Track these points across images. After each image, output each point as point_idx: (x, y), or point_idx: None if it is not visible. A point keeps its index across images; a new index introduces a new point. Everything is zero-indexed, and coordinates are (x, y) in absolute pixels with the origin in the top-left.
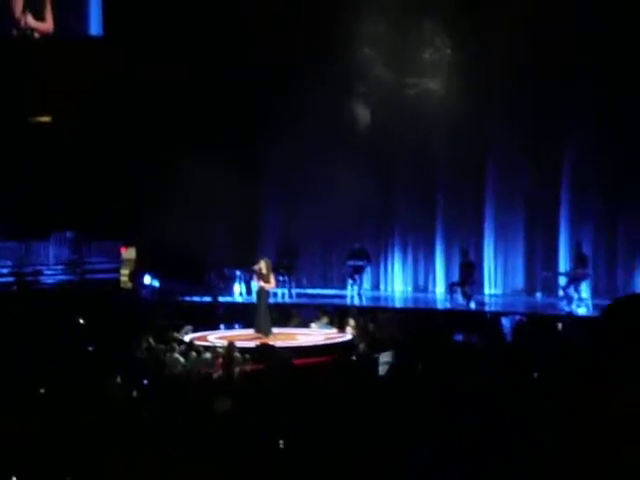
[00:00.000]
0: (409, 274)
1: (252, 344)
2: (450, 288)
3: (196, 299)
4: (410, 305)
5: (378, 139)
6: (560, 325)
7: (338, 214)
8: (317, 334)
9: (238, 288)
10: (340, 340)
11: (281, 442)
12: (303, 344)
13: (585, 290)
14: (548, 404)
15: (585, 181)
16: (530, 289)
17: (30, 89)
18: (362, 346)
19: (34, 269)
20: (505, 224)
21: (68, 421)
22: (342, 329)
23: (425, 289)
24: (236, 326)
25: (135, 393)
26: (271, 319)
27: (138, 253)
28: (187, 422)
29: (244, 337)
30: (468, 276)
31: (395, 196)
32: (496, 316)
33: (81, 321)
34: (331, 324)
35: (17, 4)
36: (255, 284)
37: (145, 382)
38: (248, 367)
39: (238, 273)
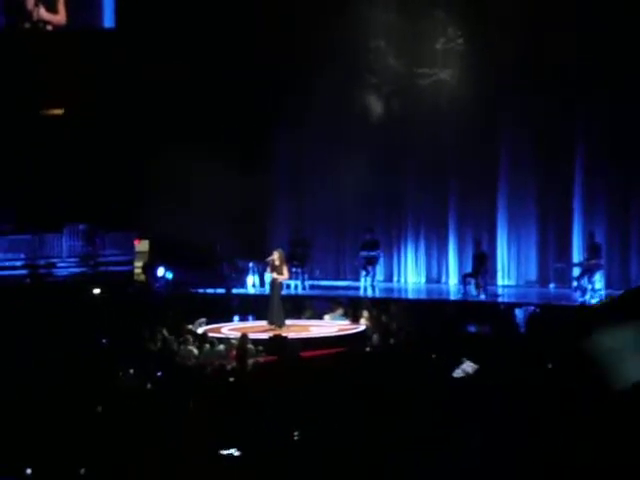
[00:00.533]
0: (422, 265)
1: (265, 336)
2: (463, 279)
3: (209, 291)
4: (423, 296)
5: (390, 130)
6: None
7: (350, 205)
8: (330, 325)
9: (251, 280)
10: (353, 331)
11: (296, 434)
12: (316, 335)
13: (599, 281)
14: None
15: (598, 171)
16: (543, 280)
17: (42, 82)
18: (375, 337)
19: (47, 261)
20: (518, 214)
21: (82, 413)
22: (356, 320)
23: (438, 280)
24: (249, 318)
25: (149, 385)
26: (284, 311)
27: (151, 245)
28: (200, 413)
29: (257, 329)
30: (481, 267)
31: (407, 187)
32: (509, 307)
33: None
34: (346, 315)
35: None
36: (268, 275)
37: (159, 374)
38: (261, 359)
39: (251, 265)
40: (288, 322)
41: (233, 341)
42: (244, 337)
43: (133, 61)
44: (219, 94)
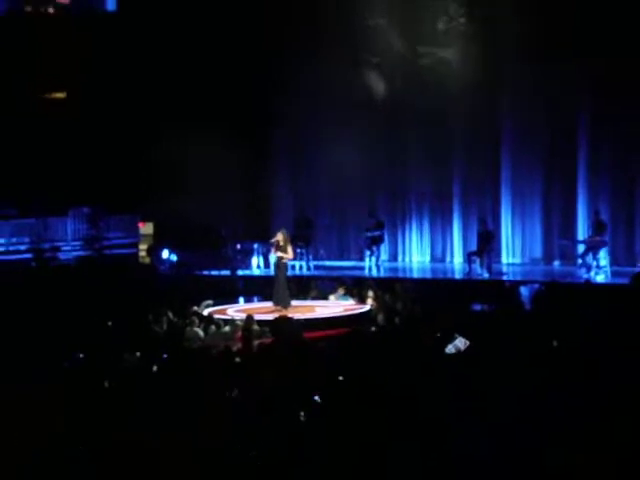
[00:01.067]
0: (427, 244)
1: (271, 317)
2: (468, 258)
3: (214, 273)
4: (428, 275)
5: (392, 109)
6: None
7: (354, 185)
8: (336, 306)
9: (256, 261)
10: (359, 311)
11: (302, 414)
12: (322, 316)
13: (603, 258)
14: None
15: (603, 148)
16: (548, 257)
17: (44, 65)
18: (381, 317)
19: (52, 245)
20: (522, 192)
21: (87, 394)
22: (362, 300)
23: (443, 259)
24: (255, 299)
25: (155, 368)
26: (290, 291)
27: (156, 228)
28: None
29: (263, 310)
30: (486, 245)
31: (411, 166)
32: (514, 285)
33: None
34: (349, 295)
35: None
36: (273, 256)
37: (165, 356)
38: (267, 340)
39: (255, 246)
40: (294, 303)
41: (238, 322)
42: (250, 318)
43: (135, 44)
44: (220, 76)
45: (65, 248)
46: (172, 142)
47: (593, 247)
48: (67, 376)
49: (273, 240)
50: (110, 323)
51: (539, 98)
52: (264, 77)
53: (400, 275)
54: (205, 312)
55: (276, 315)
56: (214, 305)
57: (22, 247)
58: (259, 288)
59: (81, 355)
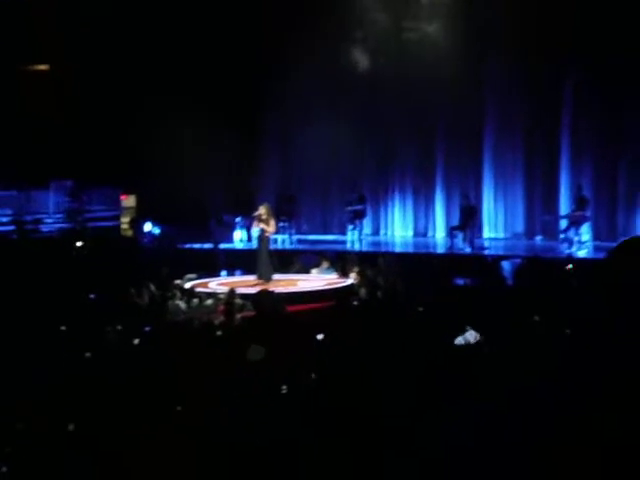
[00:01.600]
0: (409, 219)
1: (253, 290)
2: (450, 232)
3: (197, 246)
4: (410, 250)
5: (376, 84)
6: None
7: (337, 160)
8: (318, 280)
9: (239, 234)
10: (341, 285)
11: (284, 387)
12: (304, 290)
13: (585, 233)
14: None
15: (585, 123)
16: (530, 232)
17: (27, 36)
18: (363, 291)
19: (34, 217)
20: (505, 167)
21: (70, 369)
22: (344, 275)
23: (425, 234)
24: (237, 272)
25: (136, 341)
26: (273, 265)
27: (138, 201)
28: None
29: (245, 283)
30: (469, 220)
31: (394, 141)
32: (497, 260)
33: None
34: (333, 269)
35: None
36: (256, 230)
37: (146, 329)
38: (249, 313)
39: (238, 219)
40: (276, 276)
41: (221, 296)
42: (232, 292)
43: (122, 16)
44: (206, 51)
45: (47, 220)
46: (157, 116)
47: (575, 222)
48: (49, 349)
49: (255, 214)
50: (92, 296)
51: (523, 73)
52: (249, 53)
53: (383, 249)
54: (187, 285)
55: (258, 289)
56: (197, 279)
57: (4, 219)
58: (242, 262)
59: (63, 328)
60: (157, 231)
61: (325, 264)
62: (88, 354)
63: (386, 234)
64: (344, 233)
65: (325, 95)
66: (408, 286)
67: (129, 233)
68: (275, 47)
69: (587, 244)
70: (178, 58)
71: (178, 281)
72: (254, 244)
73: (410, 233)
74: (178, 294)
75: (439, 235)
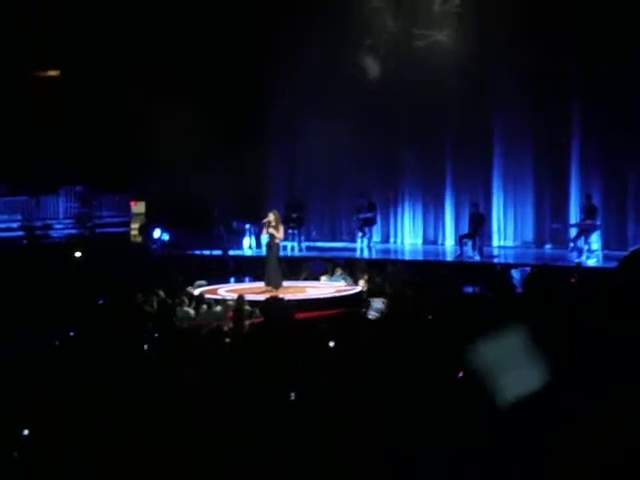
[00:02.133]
0: (419, 226)
1: (262, 297)
2: (460, 240)
3: (206, 253)
4: (420, 257)
5: (386, 91)
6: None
7: (346, 167)
8: (327, 287)
9: (248, 241)
10: (350, 293)
11: (292, 395)
12: (313, 297)
13: (595, 242)
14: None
15: (595, 132)
16: (540, 241)
17: (38, 43)
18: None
19: (44, 223)
20: (515, 175)
21: (80, 373)
22: (355, 282)
23: (435, 241)
24: (246, 279)
25: (145, 346)
26: (282, 272)
27: (148, 207)
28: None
29: (254, 290)
30: (478, 228)
31: (404, 148)
32: (506, 268)
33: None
34: (346, 276)
35: None
36: (265, 237)
37: (155, 335)
38: (258, 320)
39: (247, 226)
40: (285, 284)
41: (230, 302)
42: (241, 298)
43: (129, 22)
44: (215, 56)
45: (57, 226)
46: (166, 122)
47: (585, 231)
48: (58, 354)
49: (264, 221)
50: (101, 302)
51: (533, 81)
52: (259, 57)
53: (392, 257)
54: (196, 292)
55: (267, 295)
56: (206, 285)
57: (14, 225)
58: (250, 268)
59: (72, 333)
60: (166, 237)
61: (338, 271)
62: (96, 359)
63: (395, 242)
64: (353, 240)
65: (334, 102)
66: (417, 294)
67: (138, 239)
68: (283, 53)
69: (596, 253)
70: (188, 64)
71: (189, 288)
72: (263, 251)
73: (419, 241)
74: (186, 300)
75: (448, 243)
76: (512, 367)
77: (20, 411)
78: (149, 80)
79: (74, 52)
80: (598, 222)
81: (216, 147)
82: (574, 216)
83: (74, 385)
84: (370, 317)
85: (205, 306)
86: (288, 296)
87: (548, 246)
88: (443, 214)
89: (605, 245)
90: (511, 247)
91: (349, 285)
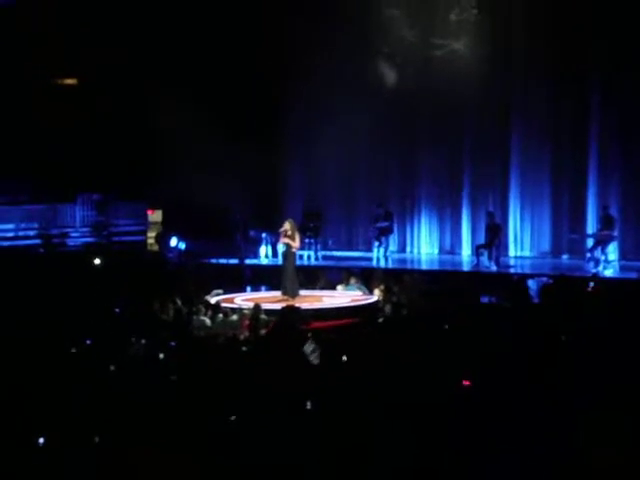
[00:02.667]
0: (435, 236)
1: (278, 306)
2: (476, 250)
3: (222, 261)
4: (436, 267)
5: (403, 100)
6: (591, 285)
7: (363, 176)
8: (343, 296)
9: (264, 250)
10: (366, 302)
11: (308, 403)
12: (329, 306)
13: (612, 252)
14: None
15: (613, 142)
16: (557, 251)
17: (56, 51)
18: (388, 308)
19: (60, 231)
20: (532, 186)
21: (94, 382)
22: (371, 291)
23: (451, 251)
24: (262, 288)
25: (161, 355)
26: (298, 281)
27: (164, 215)
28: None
29: (270, 299)
30: (494, 238)
31: (421, 157)
32: (522, 278)
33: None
34: (361, 285)
35: None
36: (281, 246)
37: (172, 344)
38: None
39: (264, 235)
40: (301, 293)
41: (246, 311)
42: (257, 307)
43: (147, 29)
44: (232, 63)
45: (73, 234)
46: (183, 131)
47: (602, 241)
48: (74, 362)
49: (281, 230)
50: (117, 310)
51: (550, 90)
52: (277, 66)
53: (408, 266)
54: (213, 300)
55: (283, 304)
56: (223, 294)
57: (31, 233)
58: (267, 277)
59: (88, 341)
60: (183, 246)
61: (353, 280)
62: (113, 367)
63: (412, 251)
64: (370, 250)
65: (353, 111)
66: (433, 304)
67: (155, 248)
68: (301, 61)
69: (613, 263)
70: (207, 72)
71: (206, 296)
72: (279, 260)
73: (436, 251)
74: (203, 309)
75: (465, 253)
76: None
77: (37, 418)
78: (166, 88)
79: (92, 60)
80: (615, 233)
81: (233, 156)
82: (591, 226)
83: (89, 392)
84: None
85: (221, 315)
86: (304, 305)
87: (565, 256)
88: (460, 224)
89: (622, 256)
90: (528, 257)
91: (365, 294)
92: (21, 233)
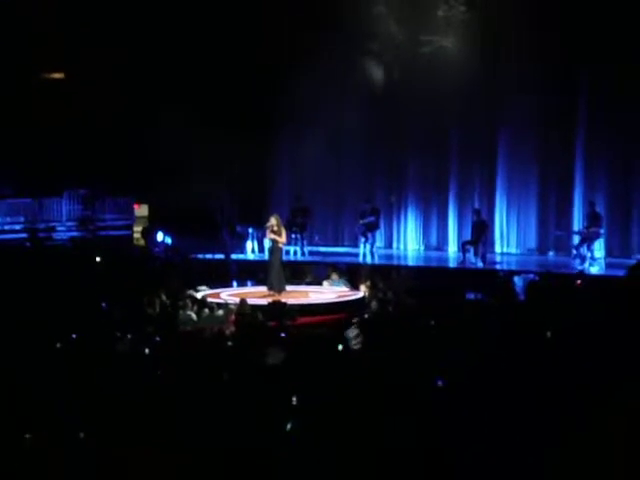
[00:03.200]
0: (421, 233)
1: (264, 301)
2: (462, 247)
3: (209, 256)
4: (422, 264)
5: (390, 97)
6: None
7: (350, 173)
8: (330, 292)
9: (250, 245)
10: (352, 298)
11: (294, 399)
12: (315, 302)
13: (598, 249)
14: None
15: (599, 139)
16: (543, 248)
17: (43, 45)
18: (374, 304)
19: (47, 225)
20: (518, 182)
21: (82, 376)
22: (356, 287)
23: (437, 248)
24: (248, 283)
25: (147, 350)
26: (285, 277)
27: (151, 210)
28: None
29: (257, 294)
30: (481, 235)
31: (408, 154)
32: (508, 275)
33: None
34: (344, 281)
35: None
36: (268, 241)
37: (157, 339)
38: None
39: (250, 230)
40: (288, 288)
41: (232, 306)
42: (243, 302)
43: (134, 25)
44: (220, 59)
45: (60, 229)
46: (169, 124)
47: (588, 238)
48: (60, 356)
49: (267, 225)
50: (103, 304)
51: (537, 87)
52: (264, 61)
53: (394, 262)
54: (199, 295)
55: (270, 300)
56: (209, 289)
57: (17, 227)
58: (253, 272)
59: (74, 336)
60: (169, 241)
61: (335, 276)
62: (98, 362)
63: (398, 247)
64: (356, 245)
65: (340, 107)
66: (419, 300)
67: (141, 242)
68: (289, 59)
69: (599, 260)
70: (193, 68)
71: (191, 292)
72: (266, 255)
73: (422, 247)
74: (189, 304)
75: (451, 249)
76: None
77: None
78: (153, 84)
79: (78, 54)
80: (601, 230)
81: (220, 151)
82: (577, 223)
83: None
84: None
85: (207, 310)
86: (290, 300)
87: (551, 253)
88: (446, 220)
89: (608, 253)
90: (514, 254)
91: (350, 290)
92: (7, 227)
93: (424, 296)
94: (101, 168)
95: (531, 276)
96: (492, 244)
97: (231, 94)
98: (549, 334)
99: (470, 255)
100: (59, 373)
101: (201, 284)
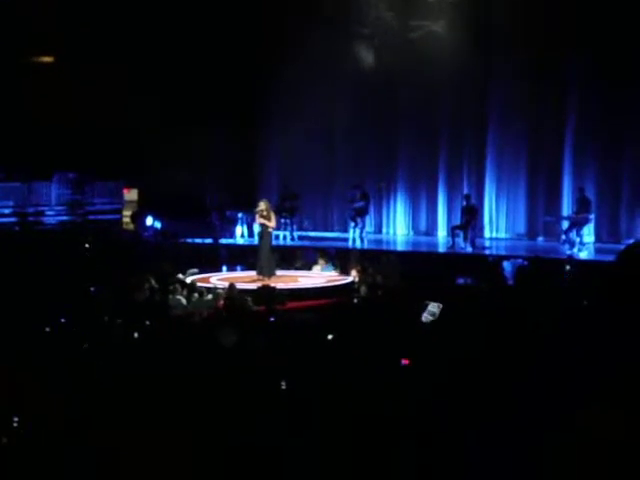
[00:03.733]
0: (411, 217)
1: (254, 286)
2: (452, 231)
3: (198, 241)
4: (412, 249)
5: (380, 82)
6: (567, 267)
7: (340, 158)
8: (319, 277)
9: (240, 230)
10: (342, 283)
11: (283, 384)
12: (305, 286)
13: (587, 234)
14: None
15: (588, 124)
16: (532, 233)
17: (32, 28)
18: (364, 289)
19: (36, 209)
20: (508, 168)
21: (71, 360)
22: (346, 272)
23: (427, 233)
24: (238, 268)
25: (136, 334)
26: (275, 261)
27: (140, 194)
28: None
29: (246, 279)
30: (470, 220)
31: (397, 139)
32: (498, 260)
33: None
34: (331, 266)
35: None
36: (257, 226)
37: (147, 323)
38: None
39: (240, 215)
40: (277, 272)
41: (221, 291)
42: (232, 287)
43: (124, 13)
44: (208, 47)
45: (49, 213)
46: (158, 109)
47: (577, 223)
48: (48, 340)
49: (257, 209)
50: (92, 289)
51: (528, 73)
52: (253, 47)
53: (384, 247)
54: (188, 280)
55: (259, 284)
56: (198, 273)
57: (6, 211)
58: (243, 257)
59: (63, 320)
60: (158, 225)
61: (322, 261)
62: (87, 346)
63: (388, 232)
64: (345, 230)
65: (330, 91)
66: (409, 285)
67: (131, 227)
68: (277, 44)
69: (589, 245)
70: (181, 53)
71: (180, 276)
72: (255, 240)
73: (412, 232)
74: (178, 289)
75: (441, 234)
76: None
77: (12, 398)
78: (144, 69)
79: (69, 38)
80: (591, 215)
81: (210, 135)
82: (567, 209)
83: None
84: (423, 320)
85: (197, 294)
86: (280, 285)
87: (540, 238)
88: (436, 205)
89: (597, 238)
90: (503, 239)
91: (340, 275)
92: None
93: (413, 281)
94: (91, 152)
95: (520, 261)
96: (481, 229)
97: (221, 80)
98: (537, 318)
99: (459, 240)
100: (48, 356)
101: (191, 268)
